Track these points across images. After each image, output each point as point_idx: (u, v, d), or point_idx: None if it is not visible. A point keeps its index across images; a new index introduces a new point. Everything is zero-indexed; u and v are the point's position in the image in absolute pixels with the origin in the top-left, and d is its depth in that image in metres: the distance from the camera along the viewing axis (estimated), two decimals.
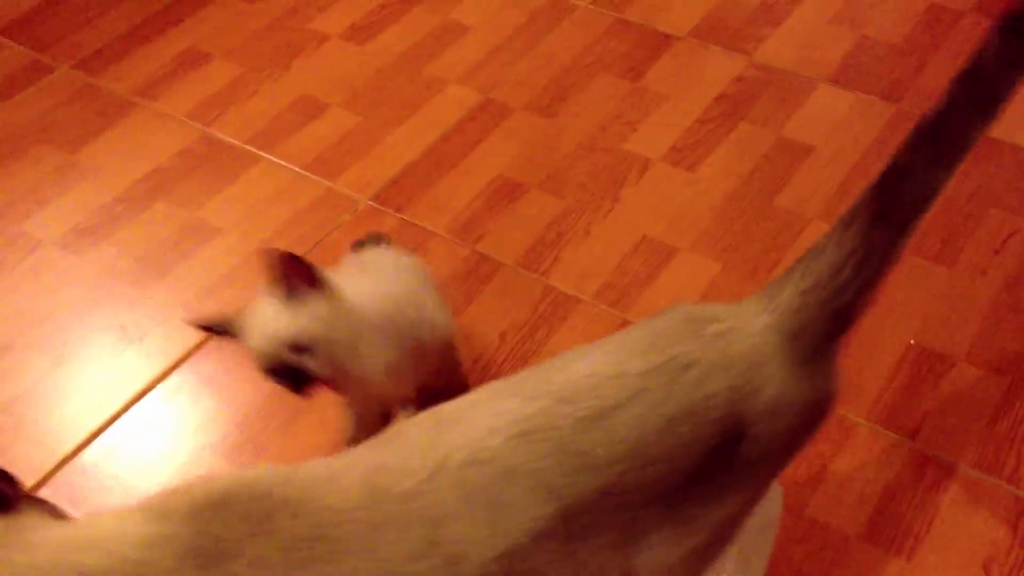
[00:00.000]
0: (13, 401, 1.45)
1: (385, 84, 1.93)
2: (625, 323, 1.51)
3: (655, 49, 1.97)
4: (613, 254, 1.61)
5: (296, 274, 1.08)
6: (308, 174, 1.76)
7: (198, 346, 1.51)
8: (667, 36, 1.99)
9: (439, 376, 1.33)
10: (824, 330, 0.89)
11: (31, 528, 0.80)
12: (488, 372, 1.45)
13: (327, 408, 1.37)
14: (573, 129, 1.82)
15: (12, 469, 1.35)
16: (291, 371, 1.10)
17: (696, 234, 1.63)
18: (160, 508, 0.80)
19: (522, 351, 1.47)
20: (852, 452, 1.34)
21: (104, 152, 1.82)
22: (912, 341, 1.46)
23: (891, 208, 0.86)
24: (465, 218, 1.67)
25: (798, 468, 1.32)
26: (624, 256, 1.60)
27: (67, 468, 1.37)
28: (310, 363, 1.09)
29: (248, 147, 1.82)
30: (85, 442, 1.40)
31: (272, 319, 1.08)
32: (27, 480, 1.36)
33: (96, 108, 1.90)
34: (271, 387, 1.44)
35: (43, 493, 1.34)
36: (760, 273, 1.56)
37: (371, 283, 1.21)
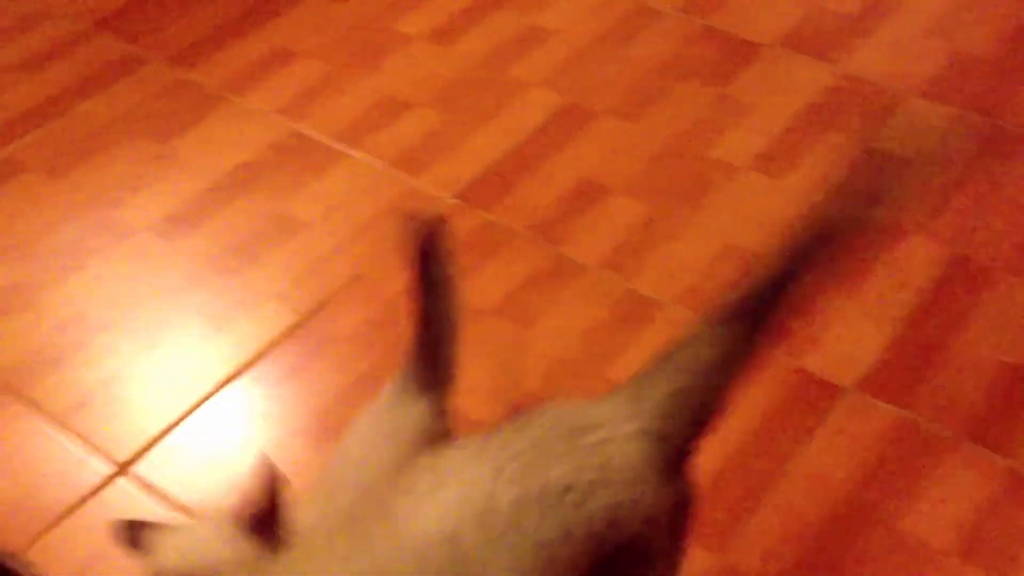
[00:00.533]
0: (108, 381, 1.49)
1: (469, 85, 1.94)
2: None
3: (742, 57, 1.95)
4: (698, 260, 1.59)
5: (266, 517, 0.89)
6: (393, 171, 1.78)
7: (284, 335, 1.53)
8: (755, 44, 1.98)
9: None
10: (689, 434, 0.90)
11: None
12: (572, 373, 1.45)
13: None
14: (658, 134, 1.81)
15: (105, 446, 1.39)
16: None
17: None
18: None
19: (603, 353, 1.47)
20: (948, 468, 1.31)
21: (195, 144, 1.86)
22: (1008, 359, 1.43)
23: (759, 305, 0.93)
24: (548, 219, 1.67)
25: (893, 481, 1.30)
26: (709, 262, 1.59)
27: (156, 448, 1.40)
28: None
29: (334, 144, 1.84)
30: (174, 423, 1.43)
31: (207, 543, 0.89)
32: (118, 458, 1.39)
33: (187, 101, 1.95)
34: (353, 377, 1.47)
35: (132, 471, 1.37)
36: (848, 282, 1.53)
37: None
